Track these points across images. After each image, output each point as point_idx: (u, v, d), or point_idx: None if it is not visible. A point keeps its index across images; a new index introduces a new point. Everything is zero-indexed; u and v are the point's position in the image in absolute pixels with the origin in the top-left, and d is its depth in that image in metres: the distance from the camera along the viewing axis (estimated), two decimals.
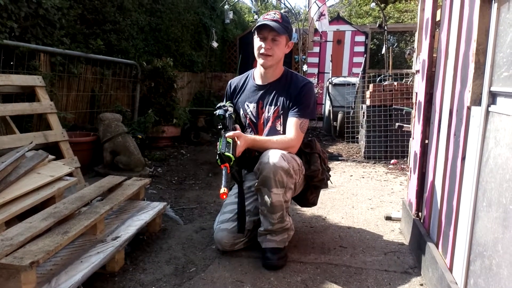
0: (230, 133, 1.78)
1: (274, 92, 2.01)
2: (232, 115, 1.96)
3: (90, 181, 2.76)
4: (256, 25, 1.91)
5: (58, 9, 3.40)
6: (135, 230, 1.90)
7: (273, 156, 1.76)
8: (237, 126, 1.92)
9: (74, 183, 2.20)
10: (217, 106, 2.00)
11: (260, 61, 1.96)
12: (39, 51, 3.25)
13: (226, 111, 1.94)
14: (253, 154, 1.99)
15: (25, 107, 2.70)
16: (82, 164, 2.93)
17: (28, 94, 2.95)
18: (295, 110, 1.95)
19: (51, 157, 2.34)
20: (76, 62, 3.73)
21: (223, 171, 1.64)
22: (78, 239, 1.73)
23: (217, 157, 1.67)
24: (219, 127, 1.85)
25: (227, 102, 2.09)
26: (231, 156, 1.66)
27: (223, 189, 1.55)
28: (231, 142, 1.72)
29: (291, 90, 1.98)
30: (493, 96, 1.22)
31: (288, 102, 1.97)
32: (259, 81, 2.06)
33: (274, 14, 1.93)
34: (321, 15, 8.18)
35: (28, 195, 1.89)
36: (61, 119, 3.07)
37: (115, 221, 1.99)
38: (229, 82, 2.19)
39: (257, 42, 1.95)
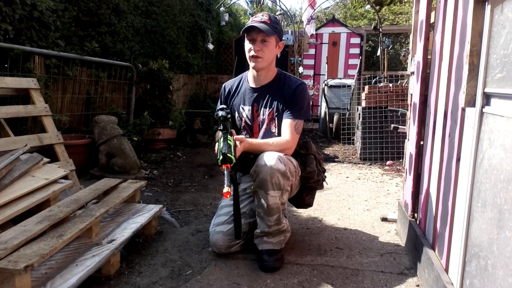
0: (239, 136, 1.80)
1: (268, 94, 2.01)
2: (229, 118, 1.96)
3: (85, 184, 2.75)
4: (244, 28, 1.91)
5: (53, 11, 3.39)
6: (130, 233, 1.89)
7: (270, 159, 1.76)
8: (233, 131, 1.91)
9: (69, 186, 2.18)
10: (219, 108, 1.98)
11: (251, 63, 1.96)
12: (34, 54, 3.23)
13: (228, 113, 1.92)
14: (249, 157, 1.98)
15: (20, 110, 2.69)
16: (77, 166, 2.91)
17: (22, 97, 2.94)
18: (289, 112, 1.95)
19: (46, 160, 2.32)
20: (71, 64, 3.72)
21: (225, 171, 1.63)
22: (73, 243, 1.72)
23: (219, 157, 1.66)
24: (219, 128, 1.84)
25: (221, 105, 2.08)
26: (233, 158, 1.66)
27: (226, 188, 1.55)
28: (232, 144, 1.72)
29: (285, 92, 1.98)
30: (487, 98, 1.23)
31: (282, 104, 1.97)
32: (253, 84, 2.06)
33: (262, 15, 1.93)
34: (311, 18, 8.25)
35: (22, 198, 1.88)
36: (56, 122, 3.05)
37: (110, 224, 1.98)
38: (223, 85, 2.19)
39: (247, 44, 1.95)
